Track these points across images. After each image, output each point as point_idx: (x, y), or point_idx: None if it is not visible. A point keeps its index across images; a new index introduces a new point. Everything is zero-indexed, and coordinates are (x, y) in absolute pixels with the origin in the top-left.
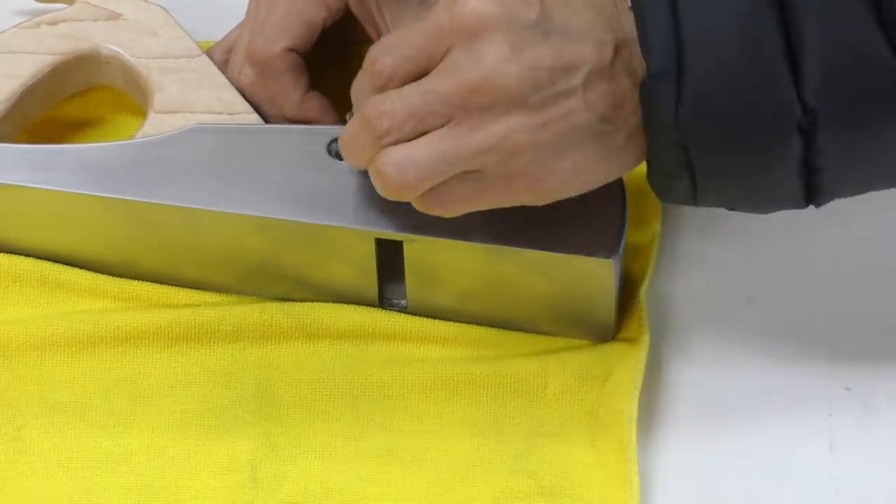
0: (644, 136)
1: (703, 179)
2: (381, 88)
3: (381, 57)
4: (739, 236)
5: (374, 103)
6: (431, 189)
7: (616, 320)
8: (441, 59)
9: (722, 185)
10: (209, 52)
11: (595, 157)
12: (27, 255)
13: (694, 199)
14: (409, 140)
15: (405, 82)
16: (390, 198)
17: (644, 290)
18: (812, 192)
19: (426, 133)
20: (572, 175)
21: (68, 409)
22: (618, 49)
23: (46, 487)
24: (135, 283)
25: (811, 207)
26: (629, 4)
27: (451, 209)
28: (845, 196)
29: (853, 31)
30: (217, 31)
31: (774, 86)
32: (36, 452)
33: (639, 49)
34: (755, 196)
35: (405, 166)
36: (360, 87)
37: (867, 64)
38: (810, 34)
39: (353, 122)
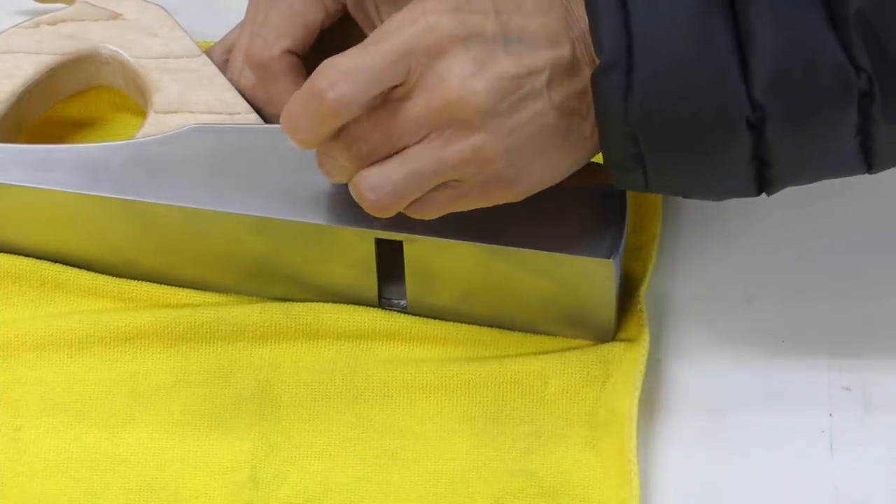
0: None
1: (653, 171)
2: (336, 115)
3: (339, 84)
4: (739, 236)
5: (350, 128)
6: (413, 200)
7: (616, 320)
8: (404, 79)
9: (673, 177)
10: (209, 53)
11: (565, 151)
12: (27, 255)
13: (646, 189)
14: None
15: (369, 107)
16: (374, 215)
17: (644, 290)
18: (764, 183)
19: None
20: (545, 171)
21: (68, 409)
22: (576, 43)
23: (46, 487)
24: (134, 283)
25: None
26: None
27: (432, 214)
28: (797, 184)
29: (803, 28)
30: (217, 31)
31: (723, 82)
32: (35, 452)
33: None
34: (707, 187)
35: (382, 189)
36: (306, 111)
37: (816, 62)
38: (760, 31)
39: (327, 145)
